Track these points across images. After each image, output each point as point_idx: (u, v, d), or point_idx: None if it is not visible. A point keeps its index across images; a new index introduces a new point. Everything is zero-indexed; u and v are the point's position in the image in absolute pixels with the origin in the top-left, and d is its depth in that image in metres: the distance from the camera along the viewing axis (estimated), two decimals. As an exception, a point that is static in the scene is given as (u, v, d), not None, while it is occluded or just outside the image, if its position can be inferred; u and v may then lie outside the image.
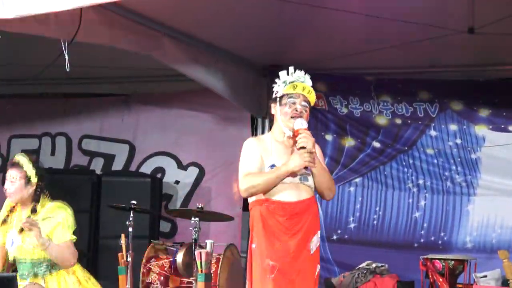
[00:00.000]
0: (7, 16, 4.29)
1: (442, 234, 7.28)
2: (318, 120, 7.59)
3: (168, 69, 6.61)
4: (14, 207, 4.92)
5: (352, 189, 7.59)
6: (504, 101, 7.11)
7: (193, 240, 5.72)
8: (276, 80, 4.33)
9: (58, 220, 4.81)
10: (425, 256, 6.20)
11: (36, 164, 4.87)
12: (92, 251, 7.84)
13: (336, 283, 6.84)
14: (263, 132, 7.46)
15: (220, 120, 8.21)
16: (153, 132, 8.49)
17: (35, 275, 4.78)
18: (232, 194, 8.00)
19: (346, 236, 7.55)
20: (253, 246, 4.23)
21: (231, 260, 6.57)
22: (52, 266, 4.82)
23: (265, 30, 6.38)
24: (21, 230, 4.76)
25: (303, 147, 4.10)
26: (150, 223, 7.70)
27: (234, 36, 6.59)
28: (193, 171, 8.34)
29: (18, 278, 4.71)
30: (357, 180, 7.58)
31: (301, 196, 4.21)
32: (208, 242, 5.50)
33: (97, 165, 8.60)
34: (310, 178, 4.23)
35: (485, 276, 6.31)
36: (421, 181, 7.41)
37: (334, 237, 7.56)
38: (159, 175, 8.33)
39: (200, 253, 5.28)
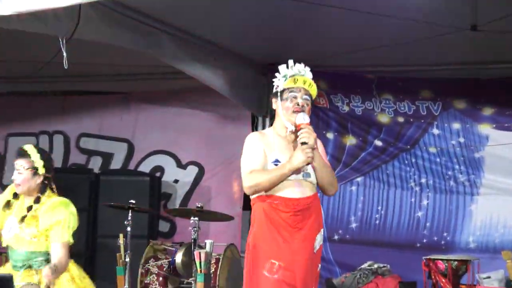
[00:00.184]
0: (5, 12, 4.28)
1: (445, 234, 7.23)
2: (320, 118, 7.53)
3: (168, 66, 6.59)
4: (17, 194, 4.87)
5: (353, 188, 7.53)
6: (508, 100, 7.06)
7: (192, 240, 5.68)
8: (276, 74, 4.27)
9: (59, 218, 4.73)
10: (428, 257, 6.18)
11: (44, 156, 4.82)
12: (90, 251, 7.81)
13: (337, 283, 6.80)
14: (263, 131, 7.41)
15: (219, 118, 8.17)
16: (152, 130, 8.45)
17: (29, 267, 4.70)
18: (232, 193, 7.97)
19: (347, 236, 7.50)
20: (255, 243, 4.16)
21: (231, 260, 6.54)
22: (48, 260, 4.75)
23: (265, 28, 6.36)
24: (22, 219, 4.69)
25: (305, 143, 4.04)
26: (148, 223, 7.68)
27: (234, 34, 6.57)
28: (193, 170, 8.29)
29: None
30: (359, 179, 7.52)
31: (304, 193, 4.16)
32: (208, 242, 5.49)
33: (95, 164, 8.57)
34: (312, 174, 4.19)
35: (489, 277, 6.29)
36: (423, 180, 7.35)
37: (336, 237, 7.51)
38: (158, 174, 8.30)
39: (200, 253, 5.25)
